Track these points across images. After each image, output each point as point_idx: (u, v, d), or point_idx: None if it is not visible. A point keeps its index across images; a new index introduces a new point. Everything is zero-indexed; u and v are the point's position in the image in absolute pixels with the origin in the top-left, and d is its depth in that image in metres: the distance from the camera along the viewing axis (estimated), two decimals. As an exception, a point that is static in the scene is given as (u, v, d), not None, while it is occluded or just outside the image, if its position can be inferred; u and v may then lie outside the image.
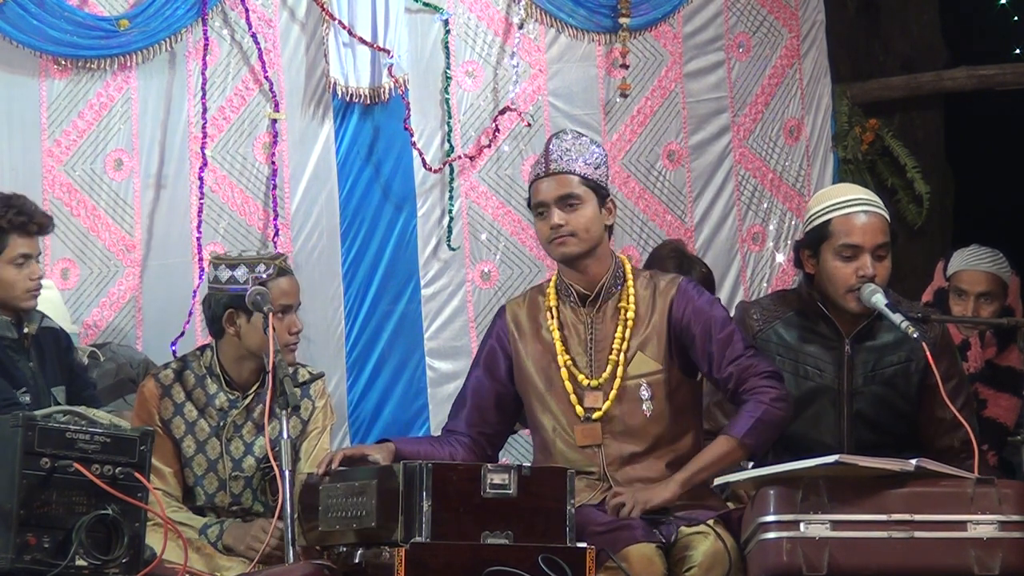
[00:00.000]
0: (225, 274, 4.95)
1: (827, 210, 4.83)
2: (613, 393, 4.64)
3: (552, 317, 4.73)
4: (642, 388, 4.65)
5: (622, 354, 4.66)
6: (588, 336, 4.70)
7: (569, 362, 4.68)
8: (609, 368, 4.66)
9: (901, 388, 4.86)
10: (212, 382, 4.98)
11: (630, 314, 4.68)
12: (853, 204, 4.83)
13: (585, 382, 4.65)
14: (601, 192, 4.69)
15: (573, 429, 4.64)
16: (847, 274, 4.77)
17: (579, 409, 4.64)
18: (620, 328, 4.68)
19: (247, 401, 4.98)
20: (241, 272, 4.94)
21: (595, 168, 4.69)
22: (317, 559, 4.38)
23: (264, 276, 4.91)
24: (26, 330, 5.25)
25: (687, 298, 4.70)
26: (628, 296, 4.70)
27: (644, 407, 4.63)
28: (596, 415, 4.63)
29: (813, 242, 4.85)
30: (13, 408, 4.90)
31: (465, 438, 4.75)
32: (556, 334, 4.70)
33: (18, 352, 5.24)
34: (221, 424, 4.96)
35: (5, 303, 5.21)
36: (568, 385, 4.65)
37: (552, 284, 4.78)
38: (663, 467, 4.62)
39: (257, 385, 5.00)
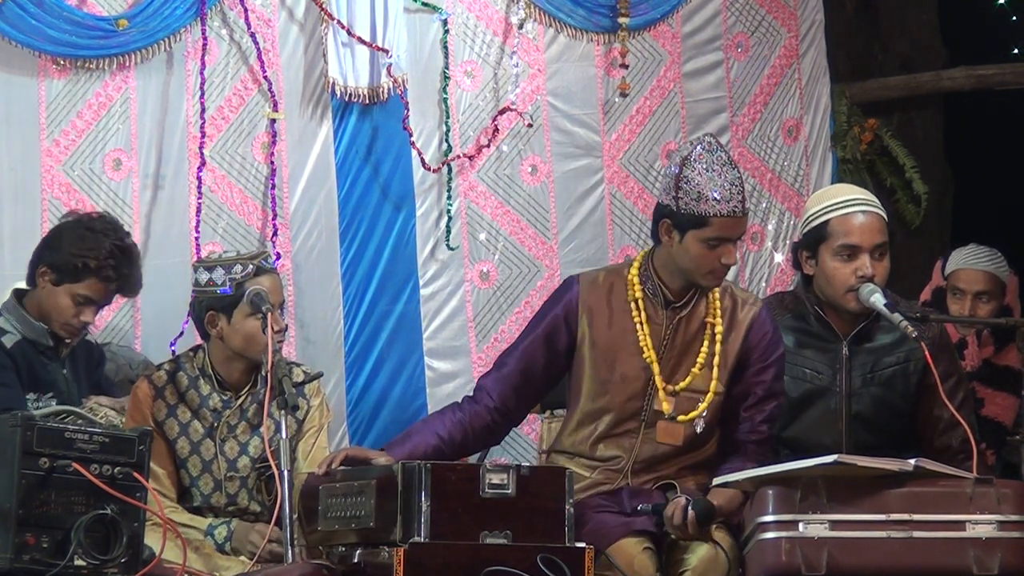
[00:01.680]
0: (204, 276, 4.97)
1: (825, 211, 4.83)
2: (703, 407, 4.63)
3: (638, 310, 4.69)
4: (700, 402, 4.64)
5: (710, 368, 4.65)
6: (665, 339, 4.67)
7: (655, 359, 4.65)
8: (689, 379, 4.64)
9: (900, 388, 4.86)
10: (205, 383, 4.99)
11: (718, 330, 4.66)
12: (851, 204, 4.83)
13: (661, 384, 4.63)
14: None
15: (655, 425, 4.61)
16: (846, 274, 4.78)
17: (667, 406, 4.61)
18: (707, 343, 4.66)
19: (240, 401, 4.99)
20: (218, 274, 4.95)
21: None
22: (317, 558, 4.38)
23: (240, 276, 4.92)
24: (67, 340, 5.28)
25: (763, 332, 4.69)
26: (715, 311, 4.68)
27: (696, 422, 4.64)
28: (682, 418, 4.62)
29: (811, 243, 4.85)
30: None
31: (489, 406, 4.66)
32: (646, 328, 4.66)
33: (52, 359, 5.26)
34: (215, 425, 4.96)
35: (45, 321, 5.25)
36: (659, 381, 4.63)
37: (635, 274, 4.72)
38: (677, 469, 4.65)
39: (250, 385, 5.01)
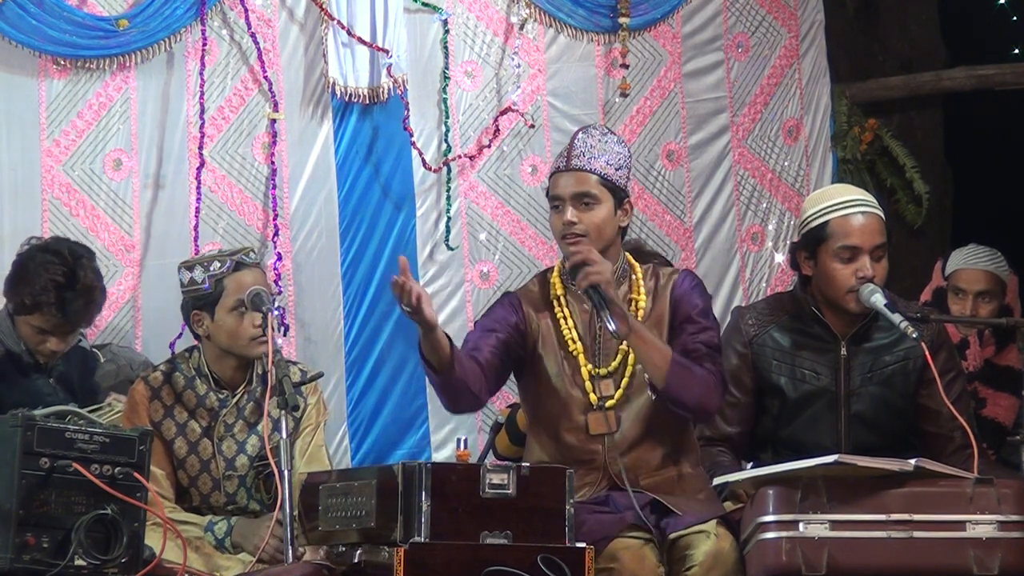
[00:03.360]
0: (187, 276, 4.99)
1: (824, 211, 4.83)
2: (625, 381, 4.64)
3: (560, 305, 4.71)
4: (624, 377, 4.65)
5: None
6: (596, 325, 4.68)
7: (580, 350, 4.67)
8: (619, 356, 4.66)
9: (899, 388, 4.86)
10: (201, 383, 4.99)
11: (641, 304, 4.69)
12: (851, 205, 4.83)
13: (594, 371, 4.65)
14: (619, 194, 4.68)
15: (586, 417, 4.62)
16: (846, 275, 4.78)
17: (593, 397, 4.63)
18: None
19: (236, 399, 4.99)
20: (199, 272, 4.96)
21: (616, 169, 4.69)
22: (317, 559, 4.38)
23: (218, 272, 4.93)
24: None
25: (684, 284, 4.72)
26: (639, 288, 4.71)
27: (649, 392, 4.63)
28: (609, 403, 4.63)
29: (811, 244, 4.85)
30: None
31: (482, 362, 4.64)
32: (570, 322, 4.69)
33: (38, 371, 5.28)
34: (212, 424, 4.96)
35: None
36: (584, 371, 4.64)
37: (556, 273, 4.77)
38: (661, 456, 4.64)
39: (245, 383, 5.01)
